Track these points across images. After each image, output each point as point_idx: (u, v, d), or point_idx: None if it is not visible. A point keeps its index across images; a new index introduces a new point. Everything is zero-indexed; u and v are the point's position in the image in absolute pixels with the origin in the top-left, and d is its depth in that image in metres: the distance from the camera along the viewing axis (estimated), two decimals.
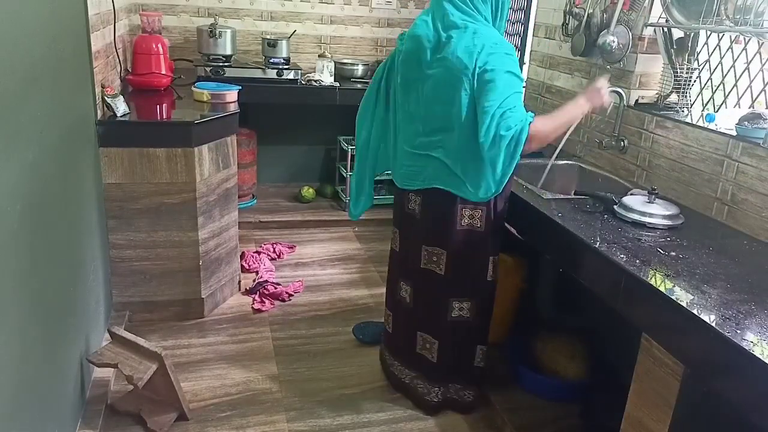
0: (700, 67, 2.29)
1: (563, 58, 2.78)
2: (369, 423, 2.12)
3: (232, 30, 3.49)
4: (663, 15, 2.19)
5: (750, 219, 1.83)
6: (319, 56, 3.65)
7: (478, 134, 1.78)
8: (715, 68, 2.27)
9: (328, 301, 2.91)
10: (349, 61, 3.89)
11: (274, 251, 3.33)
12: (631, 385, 1.51)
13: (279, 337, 2.59)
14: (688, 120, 2.14)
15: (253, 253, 3.25)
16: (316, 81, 3.53)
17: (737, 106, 2.18)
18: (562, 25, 2.71)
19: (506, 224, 2.21)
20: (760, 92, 2.08)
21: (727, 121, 2.01)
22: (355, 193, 2.34)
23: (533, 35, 3.08)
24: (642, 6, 2.27)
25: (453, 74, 1.82)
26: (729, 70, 2.21)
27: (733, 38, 2.17)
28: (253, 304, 2.81)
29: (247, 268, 3.11)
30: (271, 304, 2.83)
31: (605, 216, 1.88)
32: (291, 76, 3.50)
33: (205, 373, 2.31)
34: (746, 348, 1.17)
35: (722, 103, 2.23)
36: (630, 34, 2.29)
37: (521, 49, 3.52)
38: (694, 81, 2.28)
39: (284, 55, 3.53)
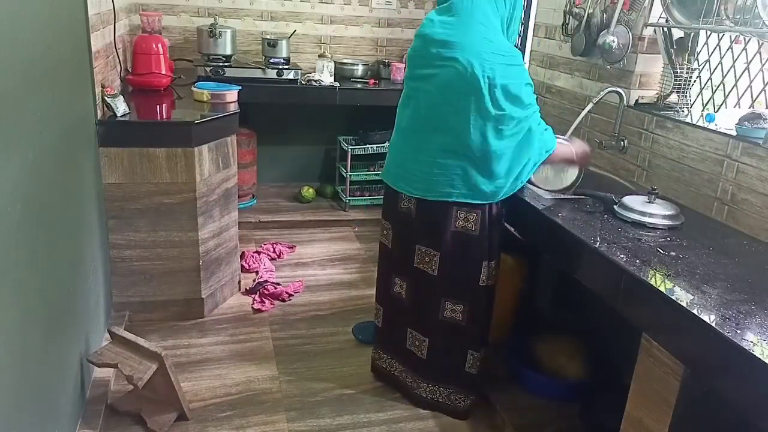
0: (700, 67, 2.29)
1: (563, 58, 2.78)
2: (369, 423, 2.12)
3: (232, 30, 3.49)
4: (663, 15, 2.19)
5: (750, 219, 1.83)
6: (319, 56, 3.65)
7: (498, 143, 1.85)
8: (715, 68, 2.27)
9: (328, 301, 2.91)
10: (349, 61, 3.89)
11: (274, 251, 3.33)
12: (631, 385, 1.51)
13: (279, 337, 2.59)
14: (688, 120, 2.14)
15: (253, 253, 3.25)
16: (316, 81, 3.53)
17: (737, 106, 2.18)
18: (562, 25, 2.71)
19: (506, 224, 2.21)
20: (760, 92, 2.08)
21: (727, 121, 2.01)
22: None
23: (533, 35, 3.08)
24: (642, 6, 2.27)
25: (463, 80, 1.80)
26: (729, 70, 2.21)
27: (733, 38, 2.17)
28: (253, 304, 2.81)
29: (247, 268, 3.11)
30: (271, 304, 2.83)
31: (605, 216, 1.88)
32: (291, 76, 3.50)
33: (205, 373, 2.31)
34: (746, 348, 1.17)
35: (722, 103, 2.23)
36: (630, 34, 2.29)
37: (521, 49, 3.52)
38: (694, 81, 2.28)
39: (284, 55, 3.53)
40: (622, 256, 1.57)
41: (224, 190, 2.67)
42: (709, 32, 2.17)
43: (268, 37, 3.56)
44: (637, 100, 2.36)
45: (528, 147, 1.91)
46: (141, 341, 1.96)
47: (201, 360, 2.38)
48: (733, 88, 2.19)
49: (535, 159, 1.95)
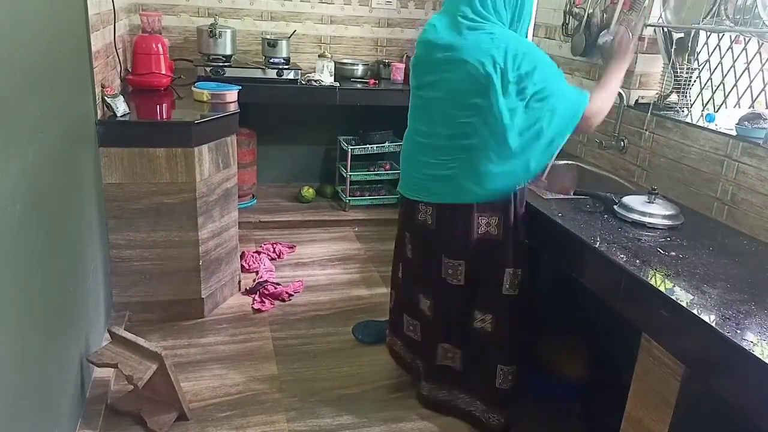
0: (700, 67, 2.29)
1: (563, 58, 2.78)
2: (369, 423, 2.11)
3: (232, 30, 3.49)
4: (662, 15, 2.19)
5: (750, 219, 1.83)
6: (319, 56, 3.65)
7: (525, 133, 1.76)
8: (715, 68, 2.27)
9: (328, 301, 2.91)
10: (349, 61, 3.89)
11: (274, 251, 3.33)
12: (631, 385, 1.51)
13: (279, 337, 2.59)
14: (688, 120, 2.14)
15: (253, 253, 3.25)
16: (316, 81, 3.53)
17: (737, 106, 2.18)
18: (562, 25, 2.71)
19: None
20: (760, 92, 2.08)
21: (727, 121, 2.01)
22: None
23: (533, 35, 3.08)
24: (642, 6, 2.27)
25: (474, 80, 1.75)
26: (729, 70, 2.21)
27: (733, 38, 2.17)
28: (253, 304, 2.81)
29: (247, 268, 3.11)
30: (271, 304, 2.83)
31: (605, 216, 1.88)
32: (291, 76, 3.50)
33: (205, 373, 2.31)
34: (746, 348, 1.17)
35: (722, 103, 2.23)
36: (630, 34, 2.29)
37: None
38: (694, 81, 2.28)
39: (284, 55, 3.53)
40: (622, 256, 1.57)
41: (224, 190, 2.67)
42: (709, 32, 2.17)
43: (268, 37, 3.56)
44: (637, 100, 2.36)
45: (550, 123, 1.76)
46: (141, 341, 1.96)
47: (201, 360, 2.38)
48: (733, 88, 2.19)
49: (562, 129, 1.79)
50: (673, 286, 1.43)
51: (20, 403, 1.39)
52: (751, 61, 2.11)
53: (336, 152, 4.11)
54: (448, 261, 1.96)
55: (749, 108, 2.10)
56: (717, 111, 2.21)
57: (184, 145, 2.40)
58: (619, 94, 2.28)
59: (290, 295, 2.91)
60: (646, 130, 2.27)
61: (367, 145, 3.84)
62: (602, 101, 1.83)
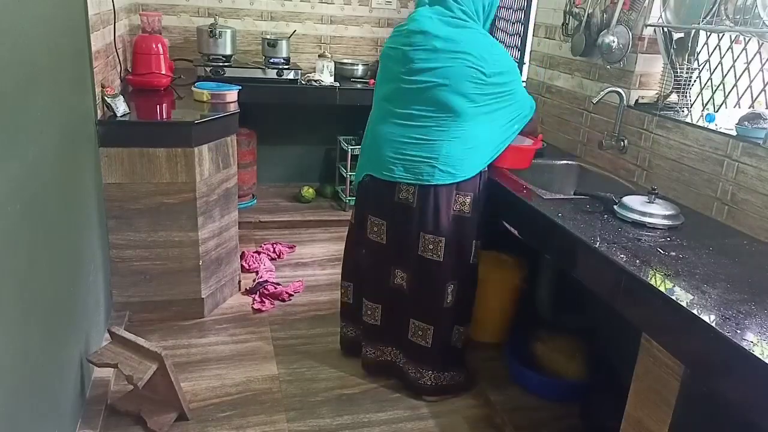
0: (700, 67, 2.29)
1: (563, 58, 2.78)
2: (369, 423, 2.12)
3: (232, 30, 3.50)
4: (662, 15, 2.19)
5: (750, 219, 1.83)
6: (319, 56, 3.65)
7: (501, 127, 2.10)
8: (715, 68, 2.27)
9: (328, 301, 2.91)
10: (349, 61, 3.89)
11: (274, 251, 3.33)
12: (631, 385, 1.51)
13: (279, 337, 2.59)
14: (688, 120, 2.14)
15: (253, 253, 3.25)
16: (316, 81, 3.53)
17: (737, 106, 2.18)
18: (562, 25, 2.71)
19: (506, 224, 2.21)
20: (760, 92, 2.08)
21: (727, 121, 2.01)
22: None
23: (533, 35, 3.08)
24: (642, 6, 2.27)
25: (475, 69, 1.98)
26: (729, 70, 2.21)
27: (733, 38, 2.16)
28: (253, 304, 2.81)
29: (247, 268, 3.11)
30: (271, 304, 2.83)
31: (605, 216, 1.88)
32: (291, 76, 3.50)
33: (205, 373, 2.31)
34: (746, 348, 1.16)
35: (722, 103, 2.23)
36: (630, 34, 2.29)
37: (521, 49, 3.52)
38: (694, 81, 2.28)
39: (284, 55, 3.53)
40: (622, 256, 1.57)
41: (224, 190, 2.67)
42: (709, 32, 2.17)
43: (268, 37, 3.57)
44: (637, 100, 2.35)
45: (511, 106, 2.12)
46: (141, 341, 1.96)
47: (201, 360, 2.38)
48: (733, 88, 2.19)
49: (520, 118, 2.17)
50: (673, 286, 1.43)
51: (20, 403, 1.39)
52: (751, 61, 2.11)
53: (336, 152, 4.11)
54: (429, 237, 2.07)
55: (749, 108, 2.10)
56: (717, 111, 2.21)
57: (184, 145, 2.40)
58: (619, 94, 2.28)
59: (290, 295, 2.91)
60: (646, 130, 2.27)
61: None
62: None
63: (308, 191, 3.96)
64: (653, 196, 1.88)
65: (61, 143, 1.79)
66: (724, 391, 1.24)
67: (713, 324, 1.25)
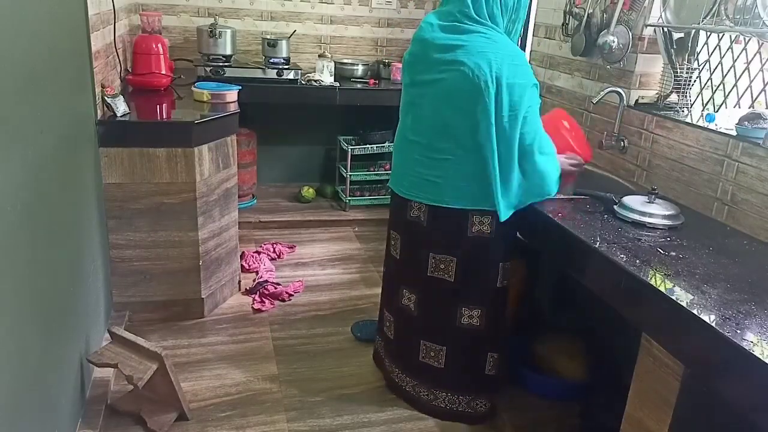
0: (700, 67, 2.29)
1: (563, 58, 2.78)
2: (369, 423, 2.11)
3: (232, 30, 3.50)
4: (662, 15, 2.19)
5: (750, 219, 1.83)
6: (319, 56, 3.65)
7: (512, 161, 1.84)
8: (715, 68, 2.27)
9: (328, 301, 2.91)
10: (349, 61, 3.89)
11: (274, 251, 3.33)
12: (631, 385, 1.51)
13: (279, 337, 2.59)
14: (688, 120, 2.14)
15: (253, 253, 3.25)
16: (316, 81, 3.53)
17: (737, 106, 2.18)
18: (562, 25, 2.71)
19: None
20: (760, 92, 2.08)
21: (727, 121, 2.01)
22: None
23: (533, 35, 3.08)
24: (642, 6, 2.27)
25: (470, 83, 1.77)
26: (729, 70, 2.21)
27: (733, 38, 2.17)
28: (253, 304, 2.81)
29: (247, 268, 3.11)
30: (271, 304, 2.83)
31: (605, 216, 1.88)
32: (291, 76, 3.50)
33: (205, 373, 2.31)
34: (746, 348, 1.17)
35: (722, 103, 2.23)
36: (630, 34, 2.29)
37: (521, 49, 3.52)
38: (694, 81, 2.28)
39: (284, 55, 3.53)
40: (622, 256, 1.57)
41: (224, 190, 2.67)
42: (709, 32, 2.17)
43: (268, 37, 3.57)
44: (637, 100, 2.36)
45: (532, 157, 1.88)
46: (141, 341, 1.96)
47: (201, 360, 2.38)
48: (733, 88, 2.19)
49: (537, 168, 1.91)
50: (673, 286, 1.43)
51: (20, 403, 1.39)
52: (751, 61, 2.11)
53: (336, 152, 4.10)
54: (439, 257, 1.98)
55: (749, 108, 2.10)
56: (717, 111, 2.21)
57: (184, 145, 2.40)
58: (619, 94, 2.28)
59: (290, 295, 2.91)
60: (646, 130, 2.27)
61: (367, 145, 3.84)
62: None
63: (308, 191, 3.96)
64: (653, 196, 1.88)
65: (61, 143, 1.79)
66: (724, 391, 1.24)
67: (713, 324, 1.25)
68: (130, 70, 3.00)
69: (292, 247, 3.43)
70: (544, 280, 2.53)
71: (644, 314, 1.46)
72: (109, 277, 2.46)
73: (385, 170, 4.02)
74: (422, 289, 2.05)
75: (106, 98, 2.33)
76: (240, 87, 2.88)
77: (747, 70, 2.13)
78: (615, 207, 1.90)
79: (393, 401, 2.22)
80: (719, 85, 2.25)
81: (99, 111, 2.30)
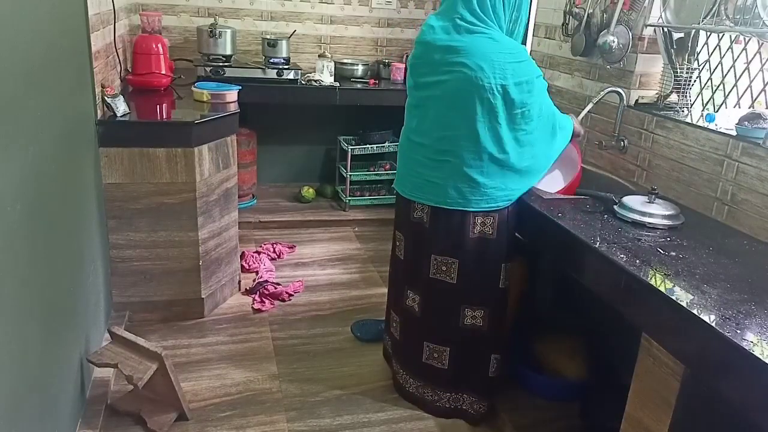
0: (700, 67, 2.29)
1: (563, 58, 2.78)
2: (369, 423, 2.12)
3: (232, 30, 3.49)
4: (662, 15, 2.19)
5: (750, 219, 1.83)
6: (319, 56, 3.65)
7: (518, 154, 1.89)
8: (715, 68, 2.27)
9: (328, 301, 2.91)
10: (349, 61, 3.89)
11: (274, 251, 3.33)
12: (631, 385, 1.51)
13: (279, 337, 2.59)
14: (688, 120, 2.14)
15: (253, 253, 3.25)
16: (316, 81, 3.53)
17: (737, 106, 2.18)
18: (562, 25, 2.71)
19: None
20: (760, 92, 2.08)
21: (727, 121, 2.01)
22: None
23: (533, 35, 3.08)
24: (642, 6, 2.27)
25: (472, 84, 1.78)
26: (729, 70, 2.21)
27: (733, 38, 2.17)
28: (253, 304, 2.81)
29: (247, 268, 3.11)
30: (271, 304, 2.83)
31: (605, 216, 1.88)
32: (291, 76, 3.50)
33: (205, 373, 2.31)
34: (746, 348, 1.16)
35: (722, 103, 2.23)
36: (630, 34, 2.29)
37: None
38: (694, 81, 2.28)
39: (284, 55, 3.53)
40: (622, 256, 1.57)
41: (224, 190, 2.67)
42: (709, 32, 2.17)
43: (268, 37, 3.56)
44: (637, 100, 2.36)
45: (549, 141, 1.98)
46: (141, 341, 1.96)
47: (201, 360, 2.38)
48: (733, 88, 2.19)
49: (556, 152, 2.03)
50: (673, 286, 1.43)
51: (20, 403, 1.39)
52: (751, 61, 2.11)
53: (336, 152, 4.11)
54: (442, 259, 1.98)
55: (749, 108, 2.10)
56: (717, 111, 2.21)
57: (184, 145, 2.40)
58: (619, 94, 2.28)
59: (290, 295, 2.91)
60: (646, 130, 2.27)
61: (367, 145, 3.84)
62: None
63: (308, 191, 3.96)
64: (653, 196, 1.88)
65: (61, 143, 1.79)
66: (724, 391, 1.24)
67: (713, 324, 1.25)
68: (130, 70, 3.00)
69: (292, 247, 3.43)
70: (544, 280, 2.53)
71: (644, 314, 1.46)
72: (109, 277, 2.46)
73: (385, 170, 4.03)
74: (425, 290, 2.05)
75: (106, 98, 2.33)
76: (240, 87, 2.88)
77: (747, 70, 2.13)
78: (615, 207, 1.90)
79: (393, 401, 2.23)
80: (719, 85, 2.25)
81: (99, 111, 2.30)
